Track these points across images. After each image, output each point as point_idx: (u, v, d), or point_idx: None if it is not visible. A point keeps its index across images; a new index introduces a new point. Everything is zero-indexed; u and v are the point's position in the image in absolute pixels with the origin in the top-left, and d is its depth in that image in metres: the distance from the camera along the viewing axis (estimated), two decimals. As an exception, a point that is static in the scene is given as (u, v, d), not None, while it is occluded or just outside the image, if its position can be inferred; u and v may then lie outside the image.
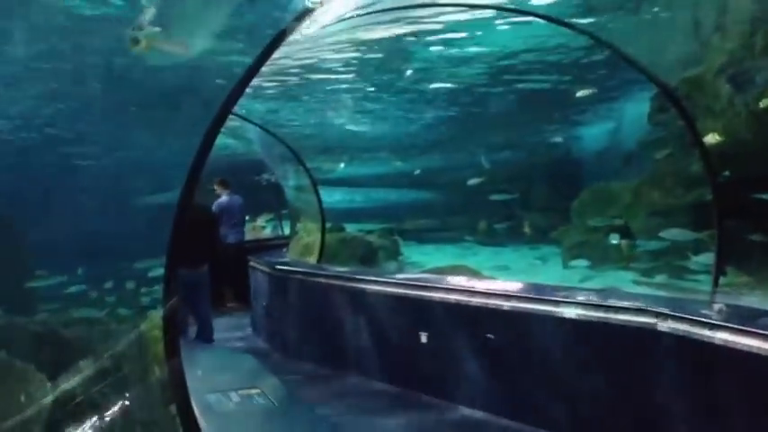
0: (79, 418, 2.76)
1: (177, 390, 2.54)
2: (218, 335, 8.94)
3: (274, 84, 10.61)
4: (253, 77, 2.89)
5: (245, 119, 10.77)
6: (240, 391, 3.45)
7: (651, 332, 4.76)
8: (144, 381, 2.75)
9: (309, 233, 11.33)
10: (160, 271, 2.48)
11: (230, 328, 10.47)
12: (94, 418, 2.72)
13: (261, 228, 17.65)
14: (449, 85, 13.23)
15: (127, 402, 2.81)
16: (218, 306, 11.31)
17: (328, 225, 11.23)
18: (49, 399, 2.82)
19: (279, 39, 3.03)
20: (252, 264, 10.31)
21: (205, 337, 8.19)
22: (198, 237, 7.75)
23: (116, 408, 2.76)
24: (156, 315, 2.52)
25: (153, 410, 2.63)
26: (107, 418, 2.71)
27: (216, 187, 11.91)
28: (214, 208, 11.61)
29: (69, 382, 2.90)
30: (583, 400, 5.27)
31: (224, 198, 11.78)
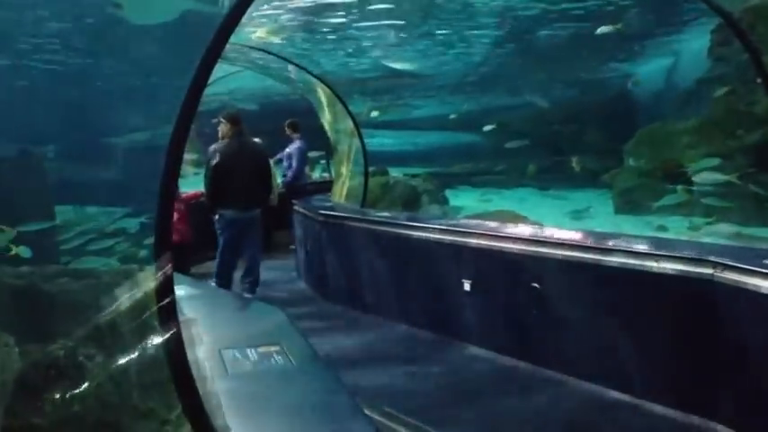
0: (60, 383, 2.64)
1: (173, 358, 2.37)
2: (267, 274, 8.98)
3: (312, 23, 10.32)
4: (246, 7, 2.64)
5: (285, 59, 10.53)
6: (260, 348, 3.28)
7: (708, 283, 4.46)
8: (142, 340, 2.60)
9: (352, 177, 11.17)
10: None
11: (281, 269, 10.44)
12: (80, 383, 2.60)
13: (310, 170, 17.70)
14: (496, 18, 12.68)
15: (120, 364, 2.68)
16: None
17: (371, 169, 11.02)
18: (16, 364, 2.71)
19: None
20: (295, 207, 10.21)
21: (250, 281, 8.21)
22: (252, 178, 7.76)
23: (107, 371, 2.64)
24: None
25: (153, 372, 2.49)
26: (96, 382, 2.58)
27: (287, 130, 11.80)
28: (293, 150, 11.61)
29: (49, 345, 2.77)
30: (631, 352, 5.04)
31: (300, 143, 11.76)
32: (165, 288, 2.36)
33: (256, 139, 8.35)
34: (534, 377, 5.41)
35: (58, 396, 2.58)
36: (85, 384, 2.65)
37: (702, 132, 11.89)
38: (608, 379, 5.08)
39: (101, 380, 2.66)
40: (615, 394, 4.96)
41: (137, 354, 2.71)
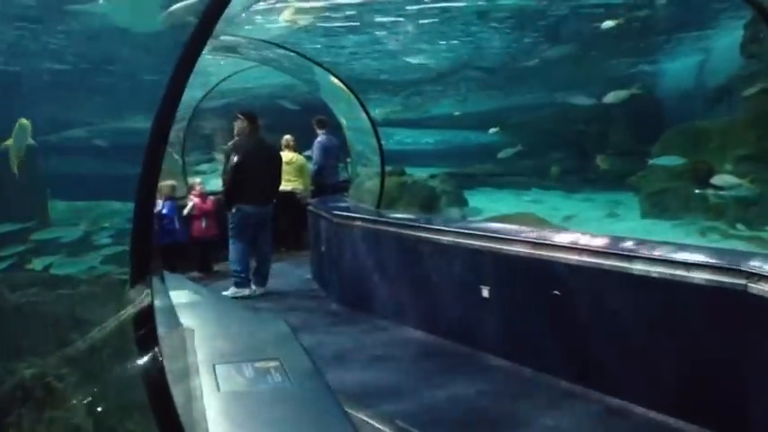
0: (26, 407, 2.37)
1: (152, 385, 2.08)
2: (280, 280, 9.04)
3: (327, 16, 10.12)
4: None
5: (301, 55, 10.27)
6: (257, 364, 3.00)
7: (741, 294, 4.10)
8: (122, 360, 2.32)
9: (369, 177, 10.89)
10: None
11: (297, 272, 10.20)
12: (52, 405, 2.32)
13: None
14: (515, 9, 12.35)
15: (97, 387, 2.39)
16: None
17: (388, 168, 10.73)
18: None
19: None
20: (310, 208, 9.97)
21: (262, 275, 8.46)
22: (269, 174, 8.20)
23: (81, 393, 2.35)
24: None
25: (133, 393, 2.19)
26: (70, 404, 2.30)
27: (315, 126, 11.65)
28: (316, 147, 11.52)
29: (14, 363, 2.50)
30: (658, 366, 4.69)
31: (323, 138, 11.60)
32: (145, 311, 2.11)
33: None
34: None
35: (23, 421, 2.31)
36: (55, 408, 2.38)
37: (734, 132, 11.47)
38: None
39: (73, 403, 2.39)
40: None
41: (115, 373, 2.45)
